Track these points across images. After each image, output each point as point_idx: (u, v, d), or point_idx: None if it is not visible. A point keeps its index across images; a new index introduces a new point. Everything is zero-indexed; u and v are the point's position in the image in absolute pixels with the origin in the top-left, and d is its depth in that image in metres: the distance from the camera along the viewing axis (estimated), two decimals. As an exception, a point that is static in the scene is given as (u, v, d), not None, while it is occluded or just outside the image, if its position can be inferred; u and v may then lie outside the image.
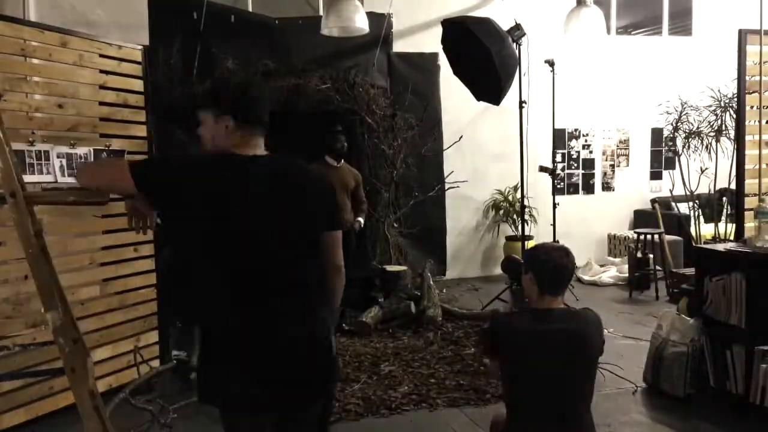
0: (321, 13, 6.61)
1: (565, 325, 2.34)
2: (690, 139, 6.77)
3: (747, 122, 4.68)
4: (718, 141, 6.63)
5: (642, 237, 6.75)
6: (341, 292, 2.11)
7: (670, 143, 7.36)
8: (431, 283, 6.00)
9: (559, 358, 2.30)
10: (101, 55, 3.95)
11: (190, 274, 1.91)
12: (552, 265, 2.38)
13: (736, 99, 5.17)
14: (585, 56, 7.84)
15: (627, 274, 6.91)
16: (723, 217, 6.88)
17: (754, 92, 4.65)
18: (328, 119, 5.99)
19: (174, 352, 4.47)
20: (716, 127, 6.60)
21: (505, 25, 4.79)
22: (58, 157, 3.67)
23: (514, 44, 4.76)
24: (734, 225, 5.05)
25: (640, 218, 8.18)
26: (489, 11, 6.62)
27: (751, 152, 4.68)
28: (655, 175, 8.49)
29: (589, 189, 8.27)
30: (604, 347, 2.41)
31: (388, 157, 6.73)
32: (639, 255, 6.69)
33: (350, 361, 4.54)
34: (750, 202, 4.65)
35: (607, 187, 8.34)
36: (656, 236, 6.81)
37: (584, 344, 2.34)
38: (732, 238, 5.52)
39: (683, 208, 7.27)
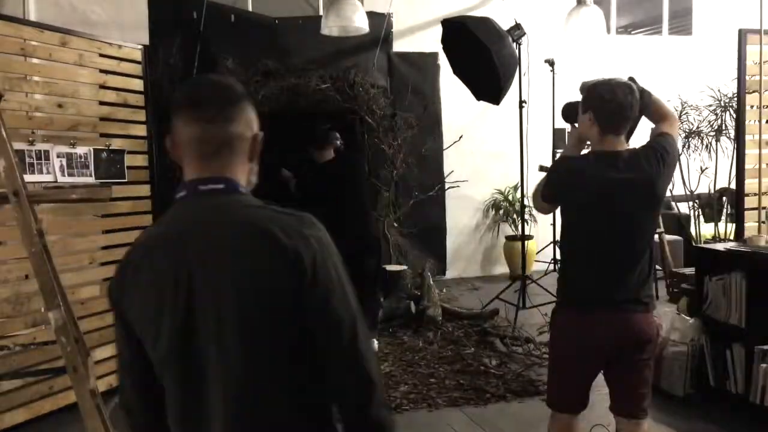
0: (321, 12, 6.60)
1: (633, 174, 2.19)
2: (690, 139, 6.76)
3: (747, 122, 4.69)
4: (718, 141, 6.63)
5: (642, 236, 6.73)
6: None
7: (670, 143, 7.35)
8: (431, 282, 5.99)
9: (626, 205, 2.20)
10: (101, 55, 3.96)
11: None
12: (615, 103, 2.19)
13: (736, 99, 5.17)
14: (585, 56, 7.83)
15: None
16: (723, 217, 6.87)
17: (754, 92, 4.65)
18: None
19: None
20: (716, 127, 6.60)
21: (505, 25, 4.79)
22: (58, 156, 3.67)
23: (514, 44, 4.76)
24: (734, 225, 5.05)
25: (640, 218, 8.16)
26: (489, 11, 6.60)
27: (751, 152, 4.68)
28: (655, 175, 8.48)
29: (589, 189, 8.26)
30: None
31: (388, 156, 6.73)
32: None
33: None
34: (750, 201, 4.65)
35: (607, 186, 8.33)
36: (656, 236, 6.79)
37: (653, 191, 2.23)
38: (732, 238, 5.52)
39: (683, 207, 7.26)
